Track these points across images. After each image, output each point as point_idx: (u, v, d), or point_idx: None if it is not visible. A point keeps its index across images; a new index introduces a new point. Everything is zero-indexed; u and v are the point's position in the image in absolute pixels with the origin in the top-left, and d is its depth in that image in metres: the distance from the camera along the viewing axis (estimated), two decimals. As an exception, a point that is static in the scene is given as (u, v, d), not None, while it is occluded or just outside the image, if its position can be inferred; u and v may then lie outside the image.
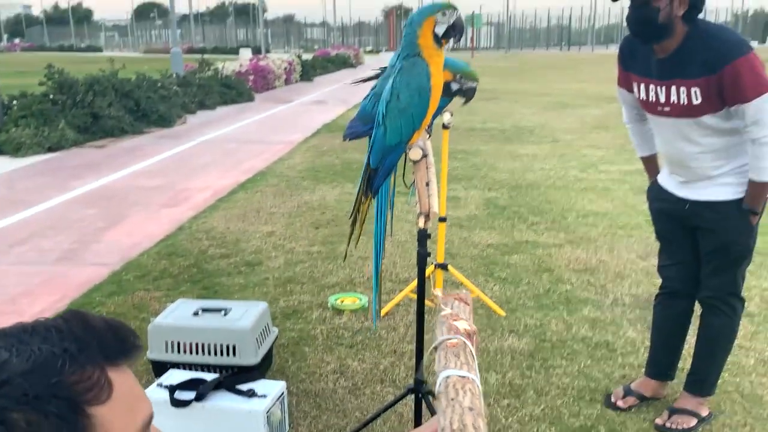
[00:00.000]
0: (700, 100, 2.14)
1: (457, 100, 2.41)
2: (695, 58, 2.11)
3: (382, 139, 1.71)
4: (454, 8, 1.56)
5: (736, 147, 2.23)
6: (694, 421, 2.48)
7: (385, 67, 3.01)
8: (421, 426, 0.89)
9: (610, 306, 3.56)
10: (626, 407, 2.60)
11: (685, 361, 2.67)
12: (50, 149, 8.30)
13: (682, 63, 2.14)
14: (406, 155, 1.90)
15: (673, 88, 2.18)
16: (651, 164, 2.60)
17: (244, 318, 2.69)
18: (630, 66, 2.37)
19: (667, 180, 2.47)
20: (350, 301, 3.61)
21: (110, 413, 0.59)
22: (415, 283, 3.60)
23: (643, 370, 2.73)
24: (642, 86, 2.31)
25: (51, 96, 9.17)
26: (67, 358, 0.58)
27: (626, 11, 2.19)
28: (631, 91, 2.40)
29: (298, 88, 18.60)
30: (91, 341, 0.61)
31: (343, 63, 28.23)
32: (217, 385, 2.31)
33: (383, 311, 3.47)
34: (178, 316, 2.72)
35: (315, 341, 3.18)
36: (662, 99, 2.23)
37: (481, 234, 4.76)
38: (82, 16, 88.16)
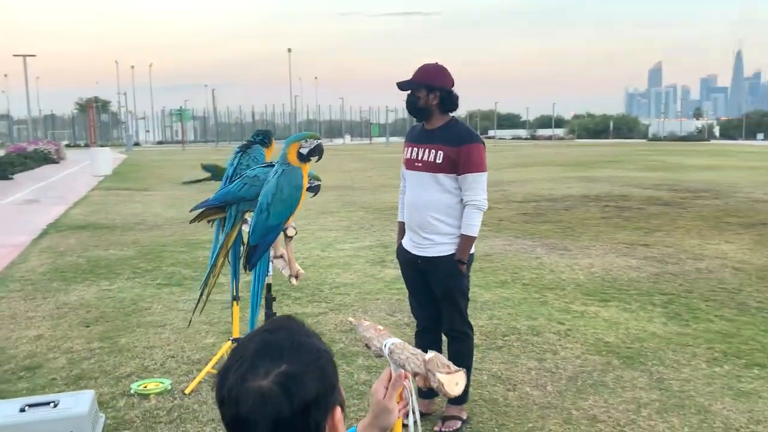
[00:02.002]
0: (441, 160, 3.08)
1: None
2: (450, 135, 3.10)
3: (265, 221, 2.23)
4: (316, 137, 2.21)
5: (455, 210, 3.18)
6: (459, 423, 3.30)
7: (210, 167, 3.48)
8: (377, 381, 1.43)
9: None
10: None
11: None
12: None
13: (440, 135, 3.11)
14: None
15: (428, 150, 3.12)
16: (401, 229, 3.47)
17: (77, 406, 2.82)
18: (408, 138, 3.32)
19: (407, 243, 3.35)
20: (153, 385, 3.81)
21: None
22: (213, 361, 3.98)
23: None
24: (409, 149, 3.24)
25: None
26: (318, 338, 1.09)
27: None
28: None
29: (-2, 188, 16.88)
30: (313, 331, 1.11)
31: (43, 159, 26.20)
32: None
33: (188, 389, 3.75)
34: (3, 416, 2.74)
35: (133, 425, 3.34)
36: (419, 156, 3.15)
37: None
38: None
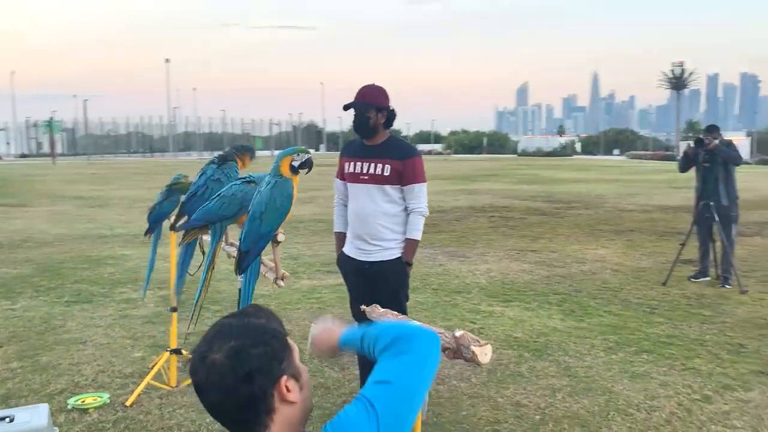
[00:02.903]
0: (388, 173, 3.35)
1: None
2: (392, 150, 3.36)
3: (258, 228, 2.37)
4: (306, 151, 2.39)
5: (399, 218, 3.46)
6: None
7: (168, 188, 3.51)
8: None
9: (309, 360, 4.50)
10: (356, 419, 3.55)
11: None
12: None
13: (383, 151, 3.36)
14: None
15: (373, 164, 3.36)
16: (341, 238, 3.69)
17: (35, 419, 2.79)
18: (346, 153, 3.53)
19: (351, 250, 3.58)
20: (91, 399, 3.76)
21: (291, 341, 1.27)
22: (152, 372, 3.98)
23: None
24: (352, 163, 3.44)
25: None
26: (274, 321, 1.26)
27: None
28: (343, 179, 3.50)
29: None
30: (272, 316, 1.28)
31: None
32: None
33: (129, 402, 3.74)
34: (-42, 435, 2.67)
35: (80, 438, 3.31)
36: (365, 170, 3.38)
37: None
38: None
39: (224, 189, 2.63)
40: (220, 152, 3.09)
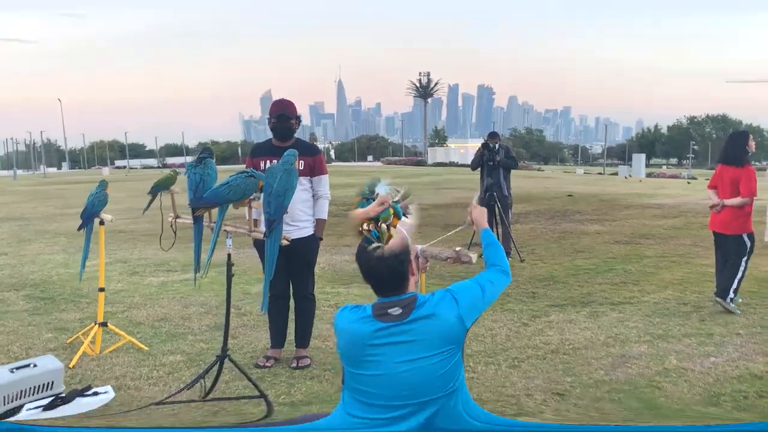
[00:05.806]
0: (302, 167, 4.51)
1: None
2: (303, 149, 4.49)
3: (283, 201, 3.42)
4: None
5: (310, 202, 4.67)
6: (308, 361, 4.68)
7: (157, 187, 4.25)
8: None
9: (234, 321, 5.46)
10: (269, 365, 4.63)
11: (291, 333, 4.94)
12: None
13: (297, 150, 4.50)
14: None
15: None
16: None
17: (51, 363, 3.57)
18: (259, 153, 4.59)
19: None
20: (41, 366, 4.38)
21: None
22: (88, 339, 4.67)
23: (270, 345, 4.83)
24: (268, 161, 4.49)
25: None
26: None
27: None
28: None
29: None
30: None
31: None
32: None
33: (71, 364, 4.42)
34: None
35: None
36: None
37: (61, 315, 5.76)
38: None
39: (231, 178, 3.63)
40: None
